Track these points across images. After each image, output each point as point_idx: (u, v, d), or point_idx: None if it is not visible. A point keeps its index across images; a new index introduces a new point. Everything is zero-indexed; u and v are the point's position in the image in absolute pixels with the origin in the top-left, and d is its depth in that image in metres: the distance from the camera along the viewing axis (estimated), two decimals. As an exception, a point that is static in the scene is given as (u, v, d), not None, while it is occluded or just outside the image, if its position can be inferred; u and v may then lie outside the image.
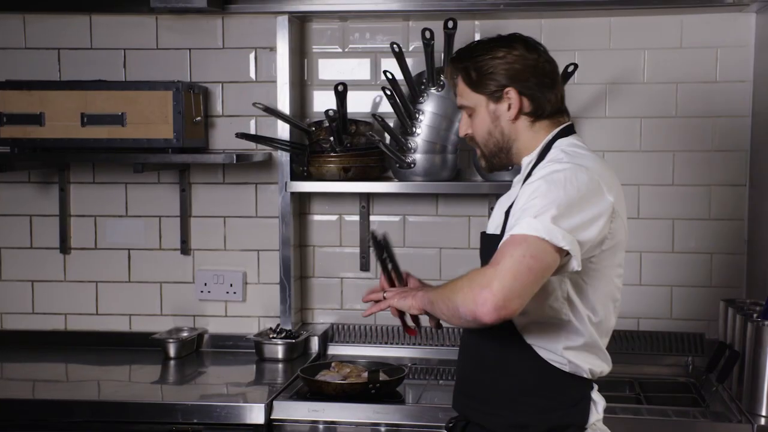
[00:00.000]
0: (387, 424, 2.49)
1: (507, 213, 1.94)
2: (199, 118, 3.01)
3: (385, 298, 2.05)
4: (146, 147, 2.89)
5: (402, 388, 2.68)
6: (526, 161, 2.03)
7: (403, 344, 3.11)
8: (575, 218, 1.81)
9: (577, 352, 1.93)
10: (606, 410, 2.01)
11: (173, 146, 2.88)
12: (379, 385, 2.56)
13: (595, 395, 2.00)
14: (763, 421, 2.35)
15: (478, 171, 2.96)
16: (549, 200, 1.80)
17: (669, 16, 2.96)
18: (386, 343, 3.11)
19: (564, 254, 1.79)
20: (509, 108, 1.99)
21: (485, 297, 1.73)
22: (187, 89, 2.93)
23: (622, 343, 2.98)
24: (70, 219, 3.22)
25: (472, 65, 2.00)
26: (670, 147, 2.99)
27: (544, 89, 1.99)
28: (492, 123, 2.01)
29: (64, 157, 3.04)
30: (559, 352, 1.93)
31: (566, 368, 1.94)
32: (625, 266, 2.02)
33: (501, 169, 2.10)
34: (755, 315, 2.52)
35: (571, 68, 2.74)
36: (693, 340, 2.97)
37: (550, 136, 2.01)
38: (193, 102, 2.97)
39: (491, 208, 2.99)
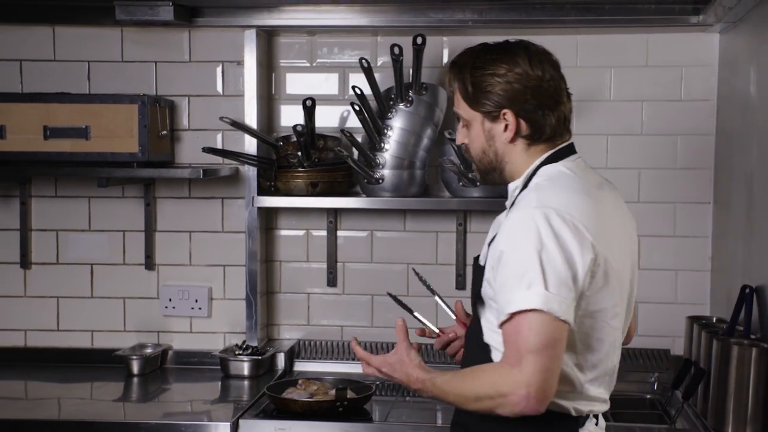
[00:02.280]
0: (355, 443, 2.48)
1: (489, 245, 1.86)
2: (165, 131, 2.97)
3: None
4: (111, 161, 2.85)
5: (369, 406, 2.66)
6: (512, 187, 1.92)
7: (369, 360, 3.08)
8: (561, 275, 1.70)
9: (559, 394, 1.77)
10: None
11: (138, 160, 2.84)
12: (346, 403, 2.53)
13: (591, 429, 1.86)
14: (728, 437, 2.37)
15: (447, 187, 2.95)
16: (533, 261, 1.69)
17: (635, 35, 2.99)
18: (353, 360, 3.08)
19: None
20: (506, 130, 1.86)
21: (525, 401, 1.67)
22: (153, 103, 2.90)
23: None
24: (31, 233, 3.16)
25: (470, 79, 1.86)
26: (636, 164, 3.01)
27: (545, 111, 1.84)
28: (486, 142, 1.89)
29: (25, 170, 2.99)
30: None
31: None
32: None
33: (496, 184, 1.98)
34: (721, 332, 2.54)
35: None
36: (658, 356, 2.99)
37: (538, 161, 1.88)
38: (159, 115, 2.93)
39: (459, 224, 3.05)
